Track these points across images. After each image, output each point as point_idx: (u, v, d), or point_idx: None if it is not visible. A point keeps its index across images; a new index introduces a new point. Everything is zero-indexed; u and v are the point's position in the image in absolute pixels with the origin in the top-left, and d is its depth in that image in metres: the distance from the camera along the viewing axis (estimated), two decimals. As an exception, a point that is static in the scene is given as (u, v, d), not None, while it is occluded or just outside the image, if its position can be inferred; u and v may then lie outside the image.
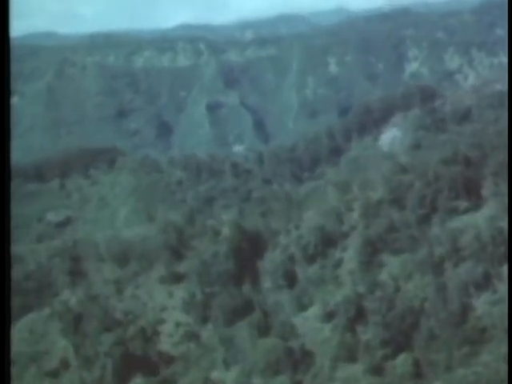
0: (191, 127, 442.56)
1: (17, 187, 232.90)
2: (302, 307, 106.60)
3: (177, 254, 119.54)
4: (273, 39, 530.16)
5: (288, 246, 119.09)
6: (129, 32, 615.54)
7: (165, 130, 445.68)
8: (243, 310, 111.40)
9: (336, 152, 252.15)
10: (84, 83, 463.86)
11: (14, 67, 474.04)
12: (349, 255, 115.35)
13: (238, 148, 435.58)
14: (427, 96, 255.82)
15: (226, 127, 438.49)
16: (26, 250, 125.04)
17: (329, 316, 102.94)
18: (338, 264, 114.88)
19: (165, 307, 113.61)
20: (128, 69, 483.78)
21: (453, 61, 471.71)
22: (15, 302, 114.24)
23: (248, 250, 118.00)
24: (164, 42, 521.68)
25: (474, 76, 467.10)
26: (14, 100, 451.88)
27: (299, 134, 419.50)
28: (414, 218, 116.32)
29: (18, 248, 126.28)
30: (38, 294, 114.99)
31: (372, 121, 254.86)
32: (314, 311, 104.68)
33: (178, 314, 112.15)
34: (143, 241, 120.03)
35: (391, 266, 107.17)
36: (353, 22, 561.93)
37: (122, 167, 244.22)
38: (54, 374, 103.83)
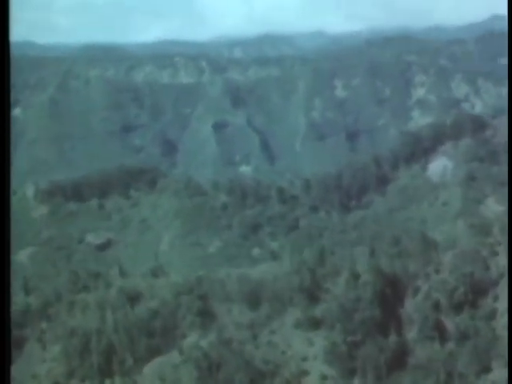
0: (197, 146, 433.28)
1: (57, 206, 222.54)
2: (483, 368, 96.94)
3: (311, 296, 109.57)
4: (274, 59, 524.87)
5: (429, 291, 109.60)
6: (114, 45, 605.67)
7: (170, 147, 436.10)
8: (394, 363, 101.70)
9: (383, 180, 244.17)
10: (88, 97, 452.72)
11: (13, 78, 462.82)
12: (503, 306, 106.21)
13: (244, 168, 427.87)
14: (477, 126, 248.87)
15: (233, 147, 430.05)
16: (141, 284, 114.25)
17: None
18: (492, 315, 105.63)
19: (306, 357, 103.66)
20: (131, 83, 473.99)
21: (460, 89, 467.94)
22: (141, 342, 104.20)
23: (390, 295, 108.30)
24: (164, 57, 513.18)
25: (481, 106, 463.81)
26: (17, 111, 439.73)
27: (309, 158, 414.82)
28: None
29: (132, 281, 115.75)
30: (164, 334, 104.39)
31: (420, 149, 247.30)
32: (499, 374, 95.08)
33: (320, 365, 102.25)
34: (274, 281, 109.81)
35: None
36: (355, 45, 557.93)
37: (164, 189, 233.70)
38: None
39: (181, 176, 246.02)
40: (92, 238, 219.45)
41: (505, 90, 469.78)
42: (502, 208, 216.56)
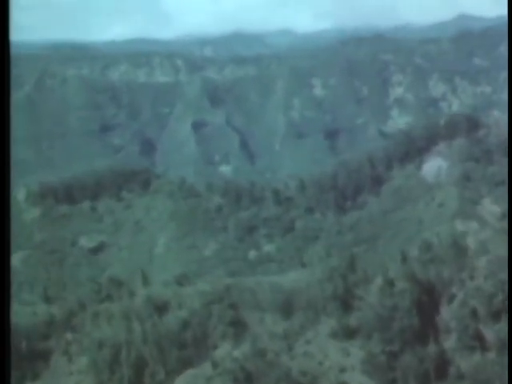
0: (176, 145, 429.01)
1: (48, 209, 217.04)
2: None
3: (345, 304, 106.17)
4: (250, 58, 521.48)
5: (465, 299, 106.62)
6: (83, 43, 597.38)
7: (148, 147, 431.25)
8: (436, 373, 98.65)
9: (377, 181, 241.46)
10: (65, 96, 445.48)
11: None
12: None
13: (224, 168, 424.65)
14: (471, 126, 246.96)
15: (212, 146, 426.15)
16: (167, 293, 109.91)
17: None
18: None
19: (343, 368, 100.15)
20: (108, 82, 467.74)
21: (437, 88, 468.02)
22: (172, 354, 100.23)
23: (426, 302, 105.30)
24: (139, 56, 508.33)
25: (458, 104, 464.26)
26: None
27: (288, 157, 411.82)
28: None
29: (156, 289, 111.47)
30: (196, 345, 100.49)
31: (414, 149, 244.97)
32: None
33: (359, 377, 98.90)
34: (306, 289, 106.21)
35: None
36: (330, 44, 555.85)
37: (158, 190, 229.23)
38: None
39: (174, 177, 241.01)
40: (85, 241, 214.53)
41: (480, 89, 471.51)
42: (499, 209, 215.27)
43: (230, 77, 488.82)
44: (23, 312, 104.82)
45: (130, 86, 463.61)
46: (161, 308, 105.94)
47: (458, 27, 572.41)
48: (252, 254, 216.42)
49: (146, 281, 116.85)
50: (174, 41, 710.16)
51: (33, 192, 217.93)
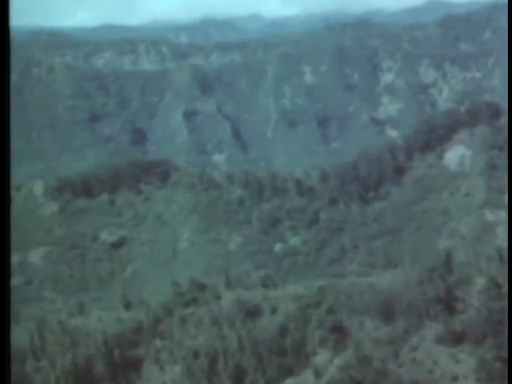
0: (167, 134, 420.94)
1: (66, 203, 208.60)
2: None
3: (447, 307, 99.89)
4: (235, 45, 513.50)
5: None
6: (54, 30, 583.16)
7: (139, 136, 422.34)
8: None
9: (399, 170, 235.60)
10: (52, 84, 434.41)
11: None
12: None
13: (218, 157, 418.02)
14: (492, 113, 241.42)
15: (205, 135, 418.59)
16: (256, 296, 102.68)
17: None
18: None
19: (455, 376, 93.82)
20: (96, 71, 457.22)
21: (427, 74, 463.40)
22: (271, 362, 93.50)
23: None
24: (124, 43, 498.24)
25: (448, 90, 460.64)
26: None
27: (281, 145, 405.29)
28: None
29: (243, 292, 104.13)
30: (295, 352, 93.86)
31: (435, 138, 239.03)
32: None
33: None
34: (405, 291, 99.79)
35: None
36: (315, 30, 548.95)
37: (177, 182, 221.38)
38: None
39: (193, 169, 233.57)
40: (106, 236, 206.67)
41: (470, 75, 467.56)
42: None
43: (217, 64, 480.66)
44: (108, 318, 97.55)
45: (118, 74, 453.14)
46: (252, 312, 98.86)
47: (430, 12, 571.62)
48: (278, 246, 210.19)
49: (229, 283, 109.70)
50: (144, 27, 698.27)
51: (50, 186, 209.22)
